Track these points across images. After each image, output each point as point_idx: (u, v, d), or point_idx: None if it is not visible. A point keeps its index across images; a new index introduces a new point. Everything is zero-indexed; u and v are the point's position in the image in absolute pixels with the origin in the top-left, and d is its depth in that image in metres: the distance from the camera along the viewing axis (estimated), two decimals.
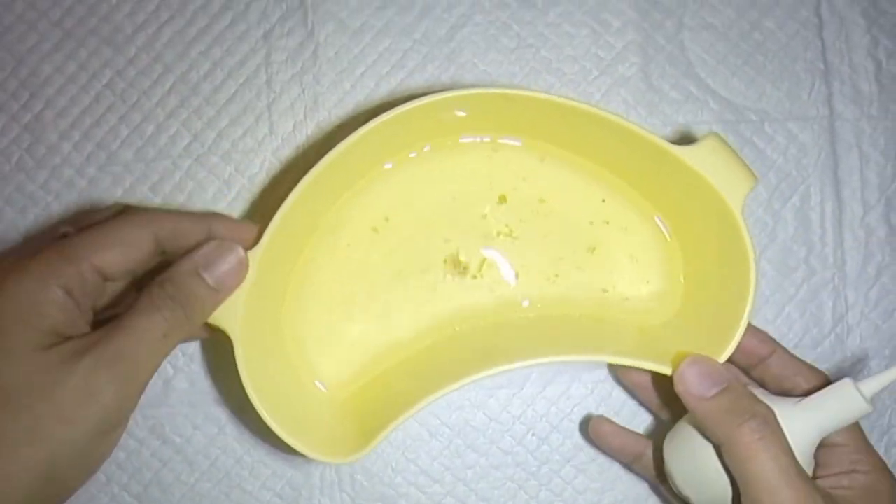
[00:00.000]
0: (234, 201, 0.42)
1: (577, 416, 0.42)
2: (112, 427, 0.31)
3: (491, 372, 0.35)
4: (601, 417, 0.41)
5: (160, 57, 0.43)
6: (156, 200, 0.42)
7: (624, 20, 0.43)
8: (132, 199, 0.42)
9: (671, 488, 0.37)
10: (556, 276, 0.40)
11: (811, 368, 0.37)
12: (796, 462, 0.32)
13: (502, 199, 0.40)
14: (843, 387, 0.33)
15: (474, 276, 0.39)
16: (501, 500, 0.42)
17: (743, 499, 0.32)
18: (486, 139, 0.39)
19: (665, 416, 0.40)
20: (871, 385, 0.33)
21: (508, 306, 0.40)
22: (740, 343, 0.35)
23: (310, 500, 0.42)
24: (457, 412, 0.42)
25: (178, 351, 0.42)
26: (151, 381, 0.32)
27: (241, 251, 0.34)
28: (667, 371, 0.35)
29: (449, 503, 0.42)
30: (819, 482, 0.34)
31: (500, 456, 0.42)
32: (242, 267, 0.34)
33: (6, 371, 0.29)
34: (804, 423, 0.33)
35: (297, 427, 0.34)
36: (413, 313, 0.39)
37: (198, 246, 0.33)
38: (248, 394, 0.33)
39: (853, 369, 0.42)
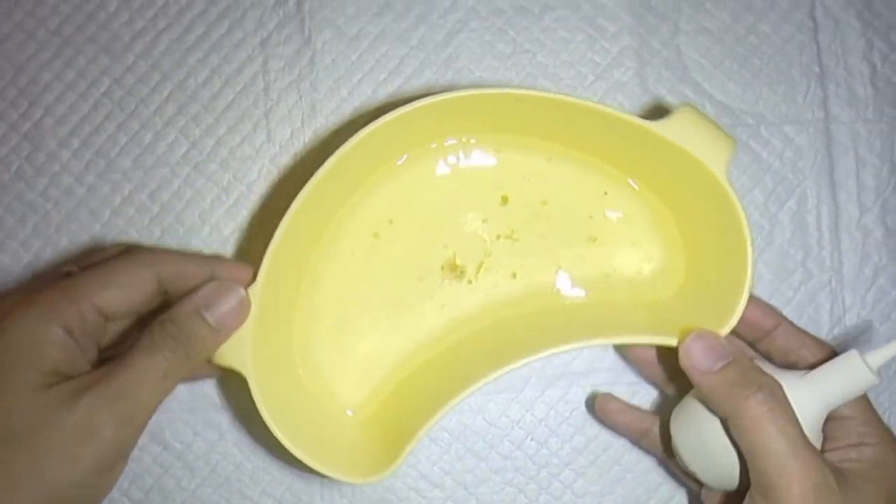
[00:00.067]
0: (232, 208, 0.42)
1: (576, 420, 0.42)
2: (112, 465, 0.31)
3: (502, 371, 0.35)
4: (608, 395, 0.41)
5: (158, 65, 0.43)
6: (154, 208, 0.42)
7: (619, 25, 0.43)
8: (130, 207, 0.42)
9: (678, 464, 0.37)
10: (558, 269, 0.40)
11: (817, 341, 0.37)
12: (803, 434, 0.32)
13: (504, 200, 0.40)
14: (850, 358, 0.33)
15: (470, 281, 0.39)
16: None
17: (750, 471, 0.32)
18: (488, 139, 0.39)
19: (671, 391, 0.40)
20: (878, 356, 0.33)
21: (511, 305, 0.39)
22: (745, 315, 0.34)
23: None
24: (456, 417, 0.42)
25: None
26: None
27: (241, 291, 0.34)
28: (673, 343, 0.35)
29: None
30: (827, 455, 0.33)
31: (500, 460, 0.42)
32: (244, 307, 0.34)
33: (7, 410, 0.30)
34: (811, 396, 0.33)
35: (324, 452, 0.34)
36: (421, 322, 0.39)
37: (199, 286, 0.33)
38: (272, 429, 0.33)
39: None
